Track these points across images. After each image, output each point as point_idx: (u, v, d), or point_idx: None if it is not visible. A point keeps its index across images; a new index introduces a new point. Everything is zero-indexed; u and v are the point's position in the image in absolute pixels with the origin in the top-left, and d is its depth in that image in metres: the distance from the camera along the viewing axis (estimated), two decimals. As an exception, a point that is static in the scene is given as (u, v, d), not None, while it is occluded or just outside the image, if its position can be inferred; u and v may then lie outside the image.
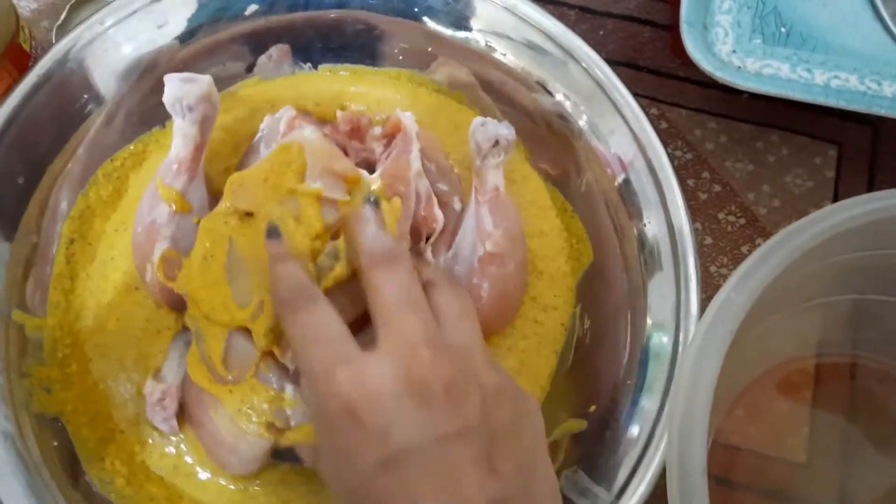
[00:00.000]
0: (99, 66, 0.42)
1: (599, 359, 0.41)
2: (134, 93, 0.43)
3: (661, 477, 0.36)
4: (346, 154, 0.39)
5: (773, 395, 0.47)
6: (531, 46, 0.44)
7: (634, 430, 0.37)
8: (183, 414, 0.38)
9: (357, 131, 0.41)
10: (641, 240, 0.40)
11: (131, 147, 0.43)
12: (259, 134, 0.41)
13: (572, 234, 0.43)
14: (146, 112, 0.43)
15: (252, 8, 0.44)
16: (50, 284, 0.41)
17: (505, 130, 0.38)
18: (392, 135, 0.40)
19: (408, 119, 0.40)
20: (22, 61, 0.44)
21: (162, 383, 0.38)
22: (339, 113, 0.41)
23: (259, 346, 0.35)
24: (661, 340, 0.38)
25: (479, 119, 0.38)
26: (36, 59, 0.45)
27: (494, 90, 0.45)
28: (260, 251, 0.35)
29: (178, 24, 0.43)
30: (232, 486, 0.38)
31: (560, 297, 0.42)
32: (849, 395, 0.47)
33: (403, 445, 0.28)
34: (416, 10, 0.44)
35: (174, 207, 0.37)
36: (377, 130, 0.41)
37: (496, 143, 0.38)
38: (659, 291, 0.39)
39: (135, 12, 0.43)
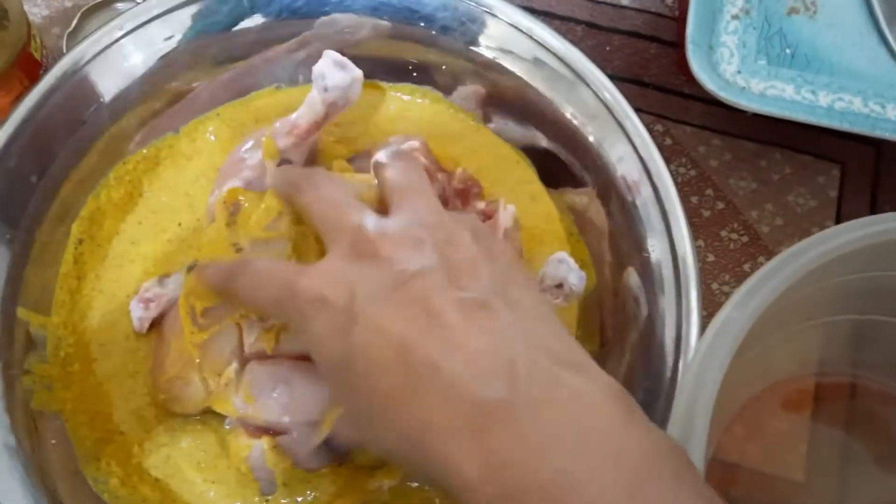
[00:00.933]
0: (109, 75, 0.42)
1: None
2: (146, 101, 0.44)
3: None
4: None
5: (772, 412, 0.48)
6: (541, 66, 0.44)
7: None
8: (158, 324, 0.39)
9: (466, 194, 0.41)
10: (644, 267, 0.40)
11: (144, 151, 0.44)
12: (385, 149, 0.39)
13: (577, 259, 0.43)
14: (159, 121, 0.44)
15: (259, 20, 0.44)
16: (56, 283, 0.41)
17: (575, 280, 0.39)
18: (488, 216, 0.41)
19: (506, 214, 0.40)
20: (33, 70, 0.44)
21: (160, 288, 0.40)
22: (459, 170, 0.42)
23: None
24: (659, 369, 0.38)
25: (559, 255, 0.39)
26: (46, 69, 0.46)
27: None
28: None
29: (186, 35, 0.44)
30: (226, 495, 0.38)
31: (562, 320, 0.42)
32: (848, 414, 0.48)
33: (366, 300, 0.28)
34: (431, 29, 0.45)
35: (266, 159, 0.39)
36: (481, 205, 0.41)
37: (560, 285, 0.38)
38: (660, 320, 0.39)
39: (146, 23, 0.43)
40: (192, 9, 0.43)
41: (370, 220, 0.31)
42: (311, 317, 0.29)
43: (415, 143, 0.42)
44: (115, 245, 0.42)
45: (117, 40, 0.42)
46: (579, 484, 0.24)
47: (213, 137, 0.45)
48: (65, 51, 0.51)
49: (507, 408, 0.25)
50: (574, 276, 0.39)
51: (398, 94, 0.46)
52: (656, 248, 0.40)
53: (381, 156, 0.35)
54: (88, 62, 0.42)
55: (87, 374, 0.40)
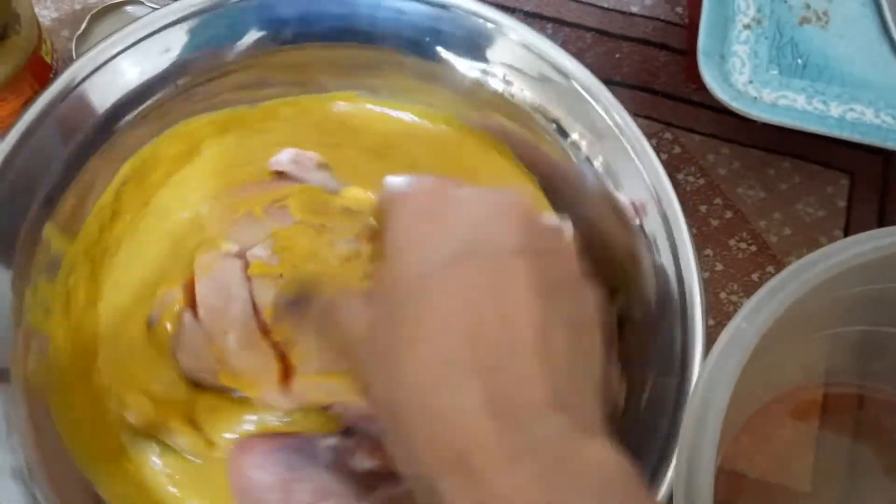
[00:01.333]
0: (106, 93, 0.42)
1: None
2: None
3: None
4: None
5: (779, 423, 0.48)
6: (548, 83, 0.43)
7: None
8: None
9: None
10: (650, 293, 0.40)
11: (212, 115, 0.44)
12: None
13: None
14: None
15: (255, 36, 0.44)
16: (91, 213, 0.41)
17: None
18: None
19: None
20: (43, 74, 0.44)
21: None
22: None
23: None
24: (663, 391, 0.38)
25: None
26: (56, 72, 0.46)
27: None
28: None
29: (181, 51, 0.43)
30: None
31: None
32: (855, 424, 0.48)
33: (471, 248, 0.27)
34: (435, 45, 0.44)
35: None
36: None
37: None
38: (665, 345, 0.39)
39: (142, 39, 0.42)
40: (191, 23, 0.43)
41: None
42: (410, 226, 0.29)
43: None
44: (160, 193, 0.42)
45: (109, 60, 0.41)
46: None
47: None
48: (74, 54, 0.51)
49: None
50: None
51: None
52: (662, 277, 0.40)
53: None
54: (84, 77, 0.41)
55: (89, 308, 0.40)
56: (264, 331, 0.38)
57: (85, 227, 0.40)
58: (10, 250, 0.38)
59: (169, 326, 0.39)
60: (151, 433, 0.38)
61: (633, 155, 0.41)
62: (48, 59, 0.45)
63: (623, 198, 0.41)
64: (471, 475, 0.23)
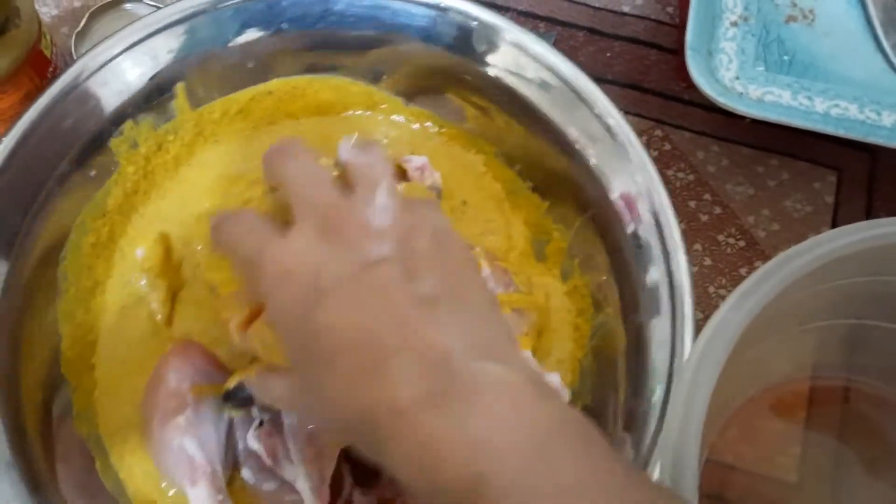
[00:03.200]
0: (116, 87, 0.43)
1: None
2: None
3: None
4: None
5: (766, 415, 0.48)
6: (545, 87, 0.44)
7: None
8: None
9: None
10: (643, 288, 0.41)
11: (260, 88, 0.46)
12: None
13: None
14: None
15: (255, 34, 0.45)
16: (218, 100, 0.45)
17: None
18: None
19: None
20: (43, 67, 0.45)
21: None
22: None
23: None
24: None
25: None
26: (56, 66, 0.47)
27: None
28: None
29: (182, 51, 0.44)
30: None
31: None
32: (841, 417, 0.48)
33: (331, 279, 0.31)
34: (434, 43, 0.45)
35: None
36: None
37: None
38: (656, 338, 0.40)
39: (144, 39, 0.43)
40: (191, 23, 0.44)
41: (341, 201, 0.33)
42: (276, 286, 0.32)
43: (424, 160, 0.44)
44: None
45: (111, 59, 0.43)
46: (496, 449, 0.28)
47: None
48: (73, 51, 0.52)
49: (442, 395, 0.29)
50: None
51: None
52: (653, 274, 0.40)
53: (344, 145, 0.37)
54: (86, 76, 0.42)
55: (168, 169, 0.45)
56: None
57: (209, 105, 0.45)
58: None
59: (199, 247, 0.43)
60: (147, 273, 0.42)
61: (625, 154, 0.41)
62: (48, 54, 0.46)
63: (614, 195, 0.42)
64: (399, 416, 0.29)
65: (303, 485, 0.36)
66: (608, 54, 0.55)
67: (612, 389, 0.41)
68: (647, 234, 0.41)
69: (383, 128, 0.47)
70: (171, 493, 0.39)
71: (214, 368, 0.39)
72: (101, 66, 0.41)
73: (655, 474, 0.37)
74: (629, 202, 0.41)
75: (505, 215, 0.46)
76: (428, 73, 0.46)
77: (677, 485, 0.34)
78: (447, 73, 0.46)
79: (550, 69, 0.43)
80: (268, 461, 0.37)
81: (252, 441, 0.37)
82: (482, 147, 0.47)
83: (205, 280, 0.43)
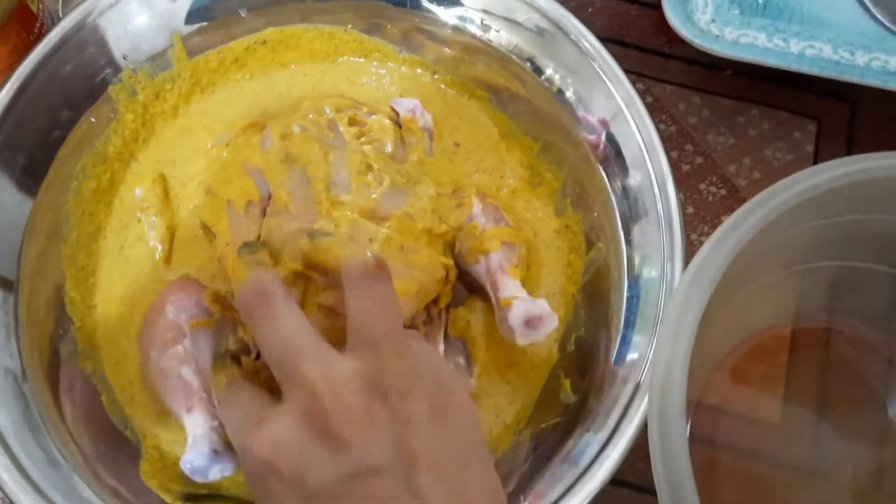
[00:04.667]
0: (116, 33, 0.44)
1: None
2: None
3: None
4: None
5: (751, 358, 0.49)
6: (522, 23, 0.45)
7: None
8: None
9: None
10: (626, 190, 0.42)
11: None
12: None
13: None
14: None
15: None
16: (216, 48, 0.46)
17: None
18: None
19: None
20: (29, 22, 0.46)
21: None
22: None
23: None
24: (650, 275, 0.40)
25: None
26: (43, 23, 0.47)
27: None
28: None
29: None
30: None
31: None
32: (823, 360, 0.49)
33: (318, 487, 0.29)
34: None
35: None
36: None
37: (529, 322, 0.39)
38: (644, 234, 0.41)
39: None
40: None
41: (327, 378, 0.30)
42: (260, 476, 0.30)
43: (416, 102, 0.45)
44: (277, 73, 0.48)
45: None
46: None
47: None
48: (60, 12, 0.52)
49: None
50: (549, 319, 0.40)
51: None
52: (636, 174, 0.41)
53: (350, 270, 0.34)
54: (92, 20, 0.43)
55: (167, 115, 0.46)
56: (263, 213, 0.41)
57: (205, 55, 0.46)
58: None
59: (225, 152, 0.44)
60: (145, 212, 0.44)
61: (603, 78, 0.43)
62: (34, 9, 0.46)
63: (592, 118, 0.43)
64: None
65: None
66: (589, 10, 0.55)
67: (604, 325, 0.42)
68: (626, 139, 0.42)
69: (376, 74, 0.48)
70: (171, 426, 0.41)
71: (211, 303, 0.40)
72: (105, 11, 0.43)
73: (640, 412, 0.38)
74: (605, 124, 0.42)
75: (499, 155, 0.47)
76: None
77: (666, 426, 0.34)
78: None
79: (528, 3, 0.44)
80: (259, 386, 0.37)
81: (248, 365, 0.38)
82: (475, 92, 0.48)
83: (200, 219, 0.44)
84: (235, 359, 0.39)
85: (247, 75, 0.47)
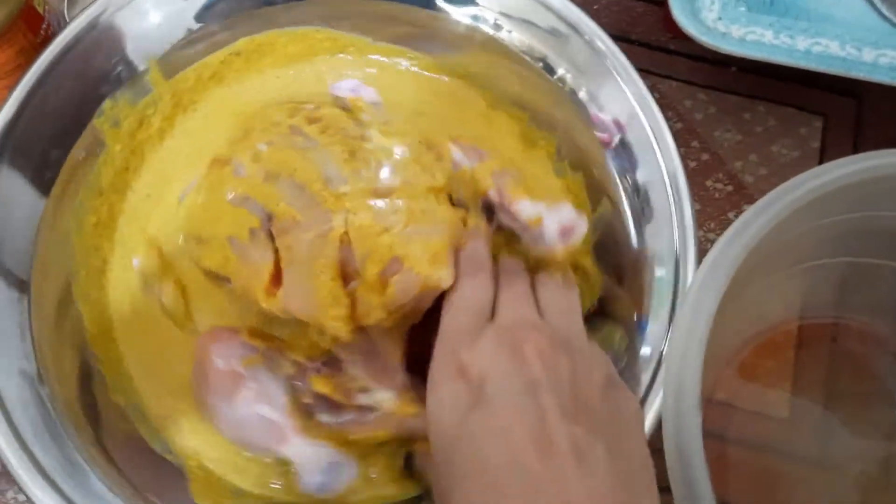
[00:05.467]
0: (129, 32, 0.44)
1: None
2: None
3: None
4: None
5: (759, 354, 0.49)
6: (537, 23, 0.45)
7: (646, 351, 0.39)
8: None
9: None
10: (636, 187, 0.42)
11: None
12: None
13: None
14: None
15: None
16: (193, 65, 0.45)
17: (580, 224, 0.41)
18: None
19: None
20: (35, 23, 0.46)
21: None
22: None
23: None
24: (661, 273, 0.40)
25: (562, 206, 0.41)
26: (49, 24, 0.47)
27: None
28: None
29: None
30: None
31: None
32: (830, 355, 0.49)
33: (496, 390, 0.31)
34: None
35: None
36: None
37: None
38: (656, 231, 0.41)
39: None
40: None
41: (525, 318, 0.35)
42: (443, 380, 0.33)
43: (353, 81, 0.45)
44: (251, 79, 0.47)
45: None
46: None
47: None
48: (66, 14, 0.52)
49: None
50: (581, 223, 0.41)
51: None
52: (648, 169, 0.42)
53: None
54: (106, 19, 0.43)
55: (155, 140, 0.45)
56: (270, 235, 0.40)
57: (183, 74, 0.45)
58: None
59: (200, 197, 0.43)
60: (148, 280, 0.42)
61: (616, 77, 0.43)
62: (40, 10, 0.46)
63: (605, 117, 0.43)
64: None
65: (383, 396, 0.38)
66: (595, 7, 0.55)
67: (619, 277, 0.42)
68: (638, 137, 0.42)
69: (350, 68, 0.48)
70: (215, 449, 0.40)
71: (251, 339, 0.40)
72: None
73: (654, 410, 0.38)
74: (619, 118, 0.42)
75: (491, 125, 0.46)
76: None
77: (681, 422, 0.35)
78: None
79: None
80: (341, 398, 0.38)
81: (319, 387, 0.38)
82: (454, 70, 0.47)
83: (203, 270, 0.42)
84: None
85: (225, 88, 0.47)
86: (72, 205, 0.42)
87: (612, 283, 0.42)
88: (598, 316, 0.42)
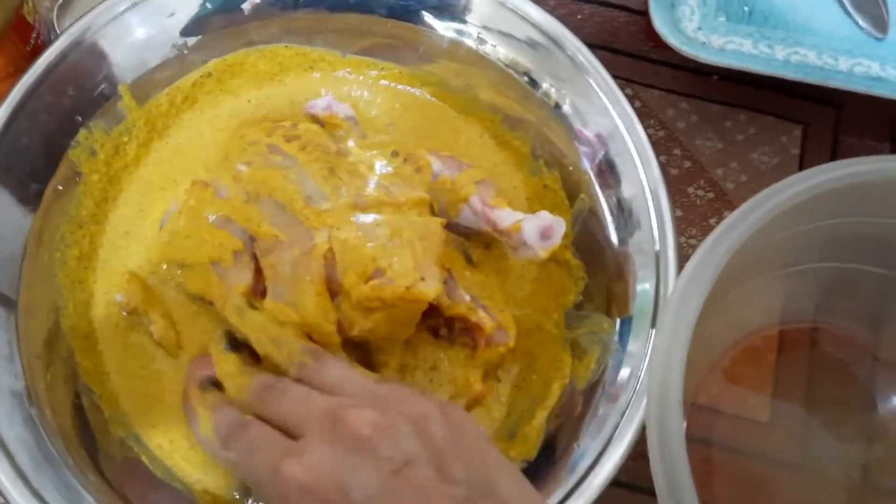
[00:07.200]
0: (114, 49, 0.44)
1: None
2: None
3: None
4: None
5: (741, 359, 0.50)
6: (520, 38, 0.46)
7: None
8: None
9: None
10: (619, 202, 0.43)
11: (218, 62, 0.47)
12: None
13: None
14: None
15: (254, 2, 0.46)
16: (165, 91, 0.46)
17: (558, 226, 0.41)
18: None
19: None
20: (25, 33, 0.46)
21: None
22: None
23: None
24: (644, 281, 0.41)
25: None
26: (39, 33, 0.48)
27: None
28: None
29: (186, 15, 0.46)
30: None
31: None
32: (810, 359, 0.50)
33: (365, 494, 0.30)
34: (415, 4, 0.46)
35: None
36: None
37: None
38: (638, 247, 0.41)
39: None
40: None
41: (341, 403, 0.33)
42: (298, 502, 0.31)
43: (327, 98, 0.46)
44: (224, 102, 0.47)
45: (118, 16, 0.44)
46: None
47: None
48: (55, 24, 0.53)
49: None
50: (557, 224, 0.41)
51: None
52: (630, 186, 0.42)
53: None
54: (91, 35, 0.43)
55: (130, 168, 0.45)
56: (254, 256, 0.40)
57: (155, 99, 0.45)
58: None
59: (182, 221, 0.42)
60: (133, 313, 0.42)
61: (597, 91, 0.43)
62: (30, 20, 0.47)
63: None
64: None
65: None
66: (578, 17, 0.56)
67: (601, 273, 0.43)
68: (621, 153, 0.43)
69: (322, 85, 0.48)
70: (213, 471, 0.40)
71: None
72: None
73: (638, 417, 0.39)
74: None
75: (462, 134, 0.47)
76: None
77: (664, 427, 0.35)
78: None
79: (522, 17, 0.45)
80: None
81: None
82: (426, 79, 0.48)
83: (188, 294, 0.43)
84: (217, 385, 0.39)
85: (198, 112, 0.47)
86: (53, 238, 0.42)
87: (597, 275, 0.43)
88: (584, 306, 0.43)
